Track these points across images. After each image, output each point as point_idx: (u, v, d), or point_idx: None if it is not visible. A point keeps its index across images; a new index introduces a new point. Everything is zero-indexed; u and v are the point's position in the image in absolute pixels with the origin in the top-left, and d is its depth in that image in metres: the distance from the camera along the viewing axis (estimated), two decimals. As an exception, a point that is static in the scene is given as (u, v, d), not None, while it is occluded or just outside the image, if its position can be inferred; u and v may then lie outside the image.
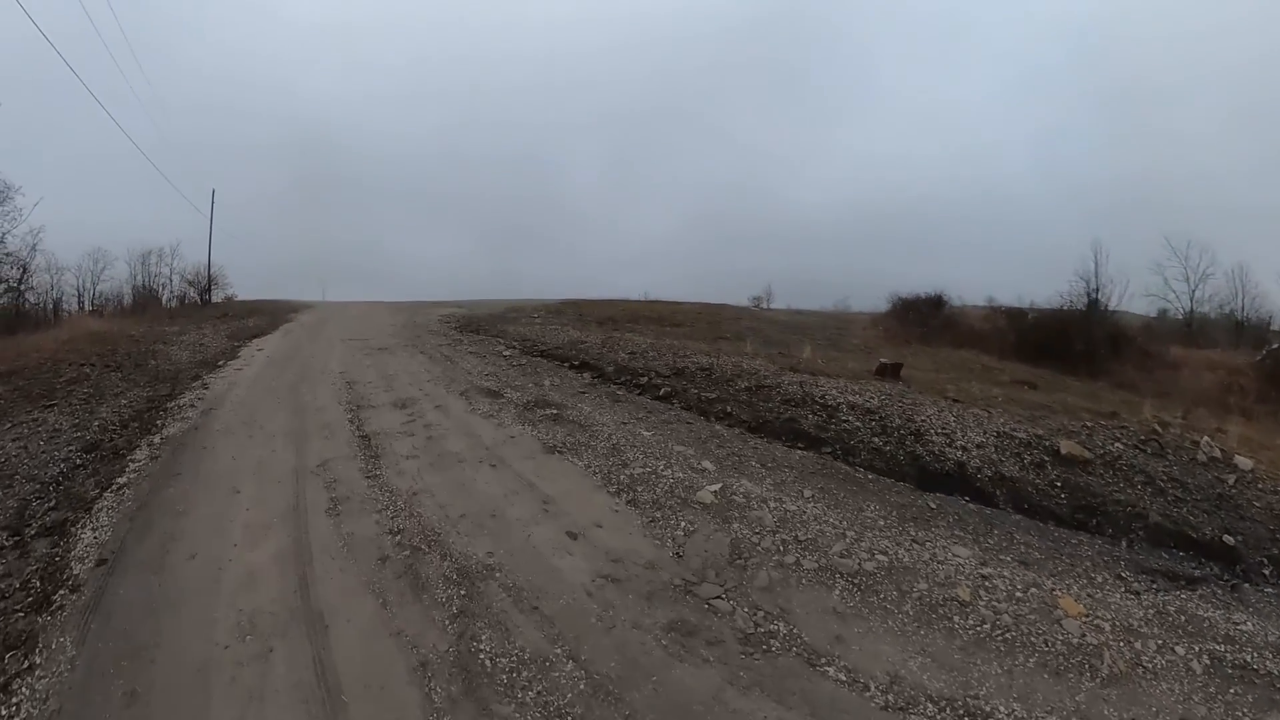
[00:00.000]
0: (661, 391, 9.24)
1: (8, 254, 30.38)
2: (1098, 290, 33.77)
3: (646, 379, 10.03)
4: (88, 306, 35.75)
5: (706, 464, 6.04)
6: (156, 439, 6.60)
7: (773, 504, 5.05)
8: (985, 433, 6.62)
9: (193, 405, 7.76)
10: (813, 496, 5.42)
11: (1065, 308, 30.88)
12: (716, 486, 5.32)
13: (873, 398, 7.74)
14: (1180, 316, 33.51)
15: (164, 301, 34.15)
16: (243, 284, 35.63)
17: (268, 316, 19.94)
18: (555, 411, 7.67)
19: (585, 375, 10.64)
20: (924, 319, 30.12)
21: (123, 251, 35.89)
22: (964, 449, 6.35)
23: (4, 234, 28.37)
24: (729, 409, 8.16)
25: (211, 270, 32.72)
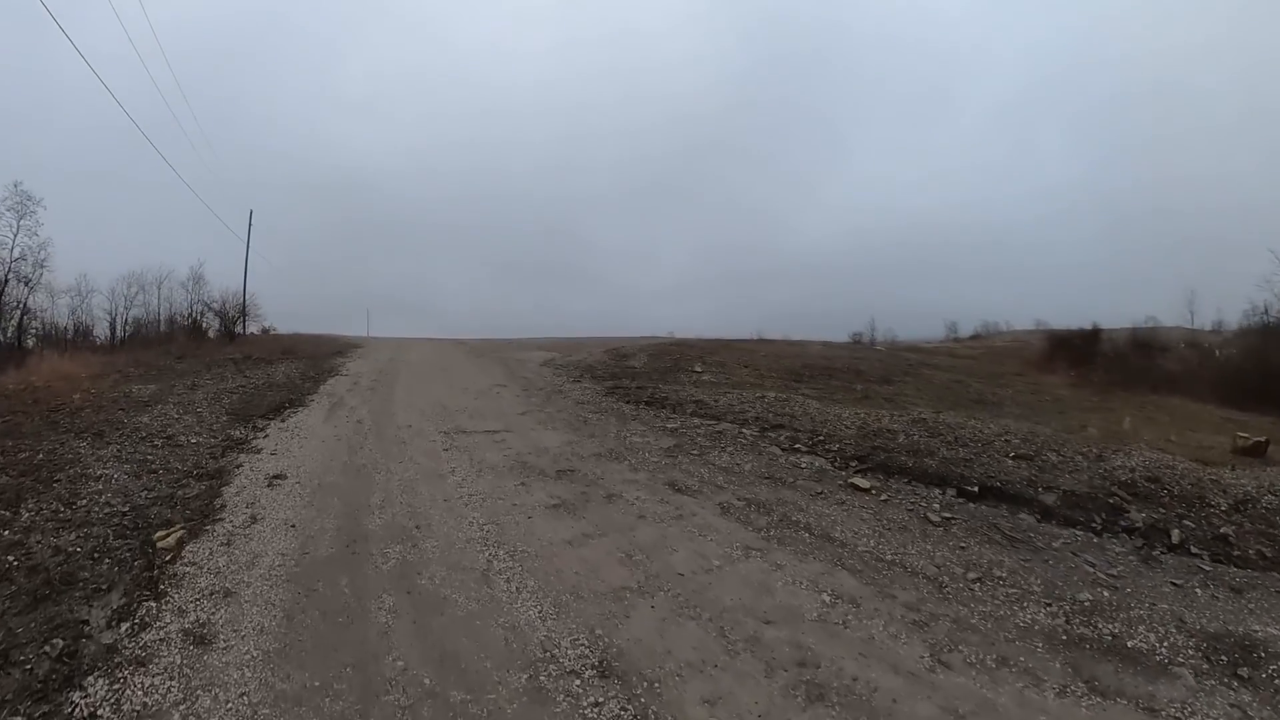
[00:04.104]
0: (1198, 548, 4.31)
1: (11, 271, 24.77)
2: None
3: (1172, 528, 4.60)
4: (118, 333, 30.32)
5: None
6: None
7: None
8: None
9: None
10: None
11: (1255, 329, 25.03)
12: None
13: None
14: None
15: (200, 329, 28.07)
16: (282, 315, 29.47)
17: (305, 362, 13.05)
18: None
19: (1059, 527, 4.62)
20: (1120, 361, 23.15)
21: (155, 276, 29.84)
22: None
23: (23, 250, 22.93)
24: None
25: (245, 298, 26.23)
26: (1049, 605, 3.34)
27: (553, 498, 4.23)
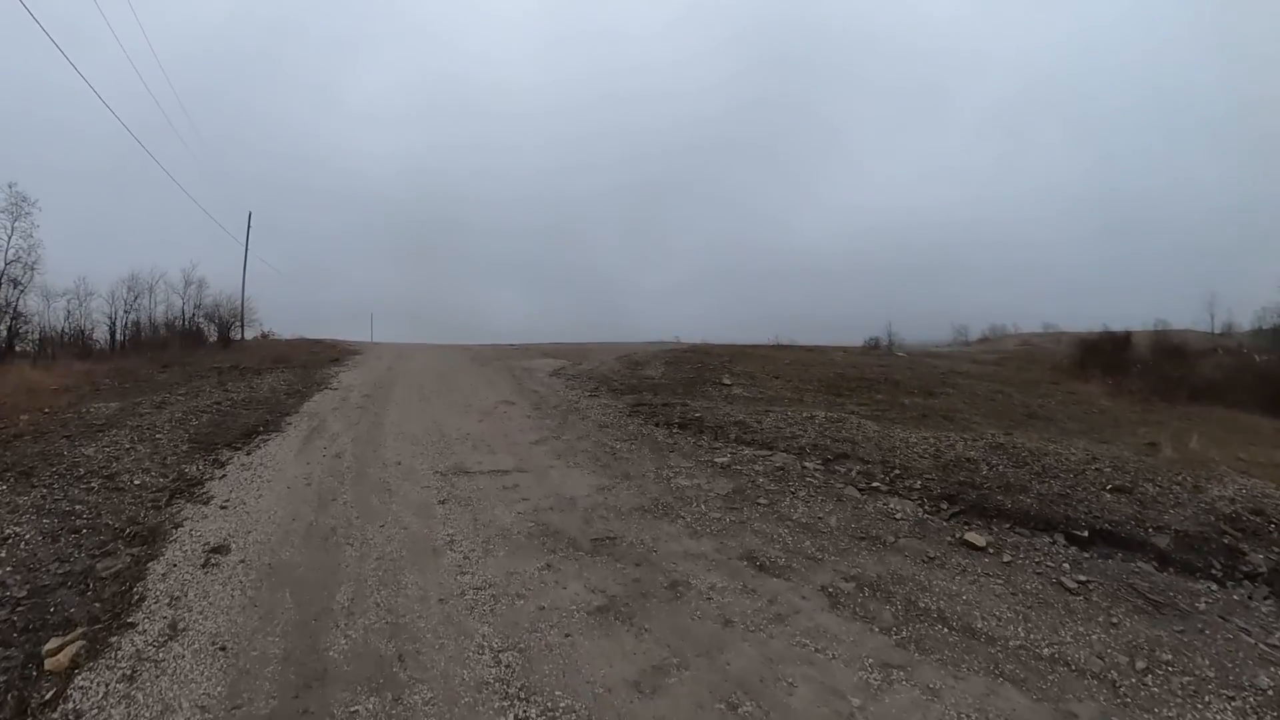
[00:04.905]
0: None
1: (4, 275, 23.69)
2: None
3: None
4: (118, 337, 29.17)
5: None
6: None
7: None
8: None
9: None
10: None
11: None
12: None
13: None
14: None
15: (197, 334, 26.87)
16: (285, 320, 28.40)
17: (295, 372, 11.87)
18: None
19: (1181, 575, 4.27)
20: (1155, 368, 21.90)
21: (149, 279, 28.55)
22: None
23: (17, 252, 21.79)
24: None
25: (243, 302, 25.01)
26: (1232, 699, 2.96)
27: (595, 592, 3.03)
